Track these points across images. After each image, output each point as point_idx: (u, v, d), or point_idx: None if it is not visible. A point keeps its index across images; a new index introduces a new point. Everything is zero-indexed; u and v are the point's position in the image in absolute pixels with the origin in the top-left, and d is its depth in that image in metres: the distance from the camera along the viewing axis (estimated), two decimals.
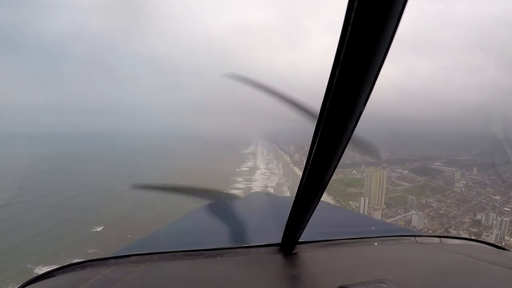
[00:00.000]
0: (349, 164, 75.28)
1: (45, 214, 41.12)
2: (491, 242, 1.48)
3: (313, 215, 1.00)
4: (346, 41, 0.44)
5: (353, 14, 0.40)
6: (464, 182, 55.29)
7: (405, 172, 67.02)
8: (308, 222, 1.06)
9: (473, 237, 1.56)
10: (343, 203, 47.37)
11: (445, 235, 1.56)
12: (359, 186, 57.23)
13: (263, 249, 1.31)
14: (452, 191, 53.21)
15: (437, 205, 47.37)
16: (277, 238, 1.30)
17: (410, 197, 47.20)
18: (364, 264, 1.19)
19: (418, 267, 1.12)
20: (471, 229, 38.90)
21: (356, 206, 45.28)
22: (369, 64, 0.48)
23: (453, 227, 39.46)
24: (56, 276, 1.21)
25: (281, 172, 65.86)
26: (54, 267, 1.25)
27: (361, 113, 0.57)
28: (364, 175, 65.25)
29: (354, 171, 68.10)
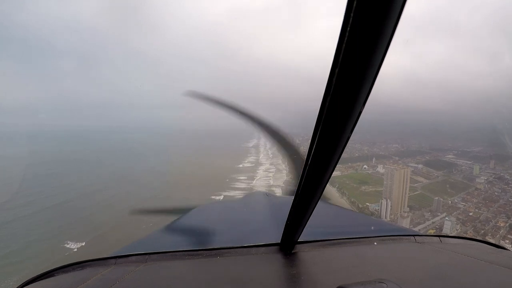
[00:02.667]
0: (358, 157, 69.41)
1: (20, 229, 34.48)
2: (490, 242, 1.45)
3: (312, 214, 1.01)
4: (345, 41, 0.44)
5: (352, 14, 0.41)
6: (485, 178, 50.44)
7: (420, 166, 61.67)
8: (308, 222, 1.06)
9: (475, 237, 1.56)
10: (360, 206, 41.80)
11: (445, 234, 1.56)
12: (374, 184, 51.74)
13: (262, 249, 1.31)
14: (475, 188, 48.16)
15: (464, 206, 42.13)
16: (277, 238, 1.30)
17: (436, 198, 41.65)
18: (363, 263, 1.18)
19: (418, 266, 1.12)
20: (510, 236, 33.78)
21: (376, 210, 39.72)
22: (368, 63, 0.48)
23: (489, 234, 34.24)
24: (55, 275, 1.21)
25: (287, 168, 59.68)
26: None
27: (360, 112, 0.57)
28: (377, 170, 60.17)
29: (365, 166, 62.49)
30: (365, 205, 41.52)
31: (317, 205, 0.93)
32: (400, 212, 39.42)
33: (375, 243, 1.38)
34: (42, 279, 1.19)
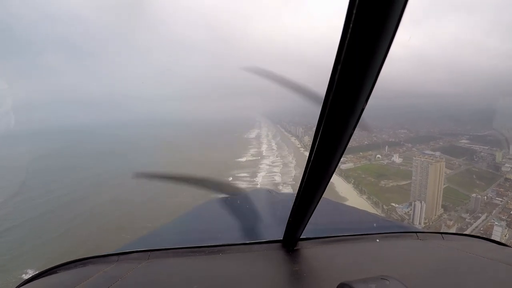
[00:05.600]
0: (369, 145, 62.73)
1: None
2: (492, 239, 1.45)
3: (314, 211, 1.01)
4: (347, 38, 0.44)
5: (354, 11, 0.41)
6: (510, 165, 45.00)
7: (437, 153, 55.84)
8: (310, 219, 1.07)
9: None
10: (385, 207, 35.67)
11: (447, 231, 1.53)
12: (393, 176, 45.59)
13: (265, 245, 1.31)
14: (504, 178, 42.53)
15: (501, 201, 36.38)
16: (279, 235, 1.30)
17: (474, 195, 35.58)
18: (366, 260, 1.19)
19: (420, 263, 1.13)
20: None
21: (406, 213, 33.53)
22: (371, 61, 0.48)
23: None
24: (58, 273, 1.22)
25: (294, 162, 52.63)
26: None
27: (363, 109, 0.58)
28: (392, 159, 54.21)
29: (379, 155, 56.29)
30: (390, 206, 35.35)
31: (320, 202, 0.93)
32: (435, 214, 33.33)
33: (378, 240, 1.37)
34: (44, 276, 1.19)
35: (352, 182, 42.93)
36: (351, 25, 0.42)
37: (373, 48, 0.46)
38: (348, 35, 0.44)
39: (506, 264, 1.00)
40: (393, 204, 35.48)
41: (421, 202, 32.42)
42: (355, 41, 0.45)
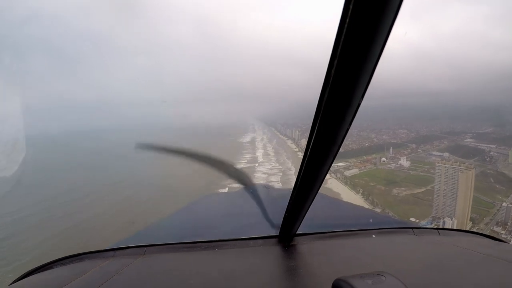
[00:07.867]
0: (370, 148, 57.85)
1: None
2: (488, 234, 1.46)
3: (311, 207, 1.02)
4: (344, 33, 0.44)
5: (351, 6, 0.41)
6: None
7: (445, 154, 51.74)
8: (306, 214, 1.08)
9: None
10: None
11: (443, 227, 1.67)
12: (405, 183, 40.62)
13: (261, 241, 1.32)
14: None
15: None
16: (275, 230, 1.32)
17: (505, 204, 30.80)
18: (362, 256, 1.20)
19: (416, 259, 1.14)
20: None
21: None
22: (367, 56, 0.48)
23: None
24: (53, 268, 1.22)
25: (294, 169, 47.11)
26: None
27: (359, 105, 0.58)
28: (399, 163, 49.68)
29: (384, 158, 51.61)
30: (408, 221, 30.26)
31: (316, 197, 0.94)
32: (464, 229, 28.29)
33: (374, 236, 1.37)
34: (40, 271, 1.19)
35: (361, 192, 37.76)
36: (347, 19, 0.42)
37: (370, 42, 0.46)
38: (345, 29, 0.43)
39: (502, 260, 1.01)
40: (413, 219, 30.37)
41: (451, 219, 27.40)
42: (351, 35, 0.44)
